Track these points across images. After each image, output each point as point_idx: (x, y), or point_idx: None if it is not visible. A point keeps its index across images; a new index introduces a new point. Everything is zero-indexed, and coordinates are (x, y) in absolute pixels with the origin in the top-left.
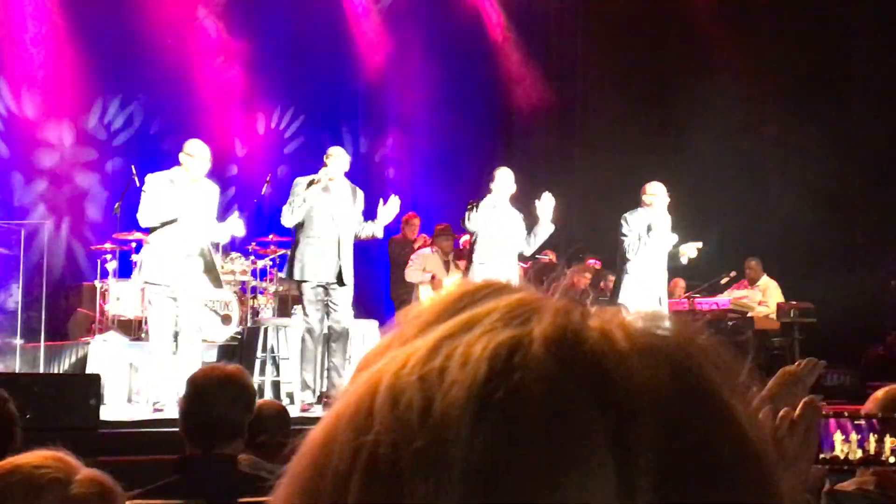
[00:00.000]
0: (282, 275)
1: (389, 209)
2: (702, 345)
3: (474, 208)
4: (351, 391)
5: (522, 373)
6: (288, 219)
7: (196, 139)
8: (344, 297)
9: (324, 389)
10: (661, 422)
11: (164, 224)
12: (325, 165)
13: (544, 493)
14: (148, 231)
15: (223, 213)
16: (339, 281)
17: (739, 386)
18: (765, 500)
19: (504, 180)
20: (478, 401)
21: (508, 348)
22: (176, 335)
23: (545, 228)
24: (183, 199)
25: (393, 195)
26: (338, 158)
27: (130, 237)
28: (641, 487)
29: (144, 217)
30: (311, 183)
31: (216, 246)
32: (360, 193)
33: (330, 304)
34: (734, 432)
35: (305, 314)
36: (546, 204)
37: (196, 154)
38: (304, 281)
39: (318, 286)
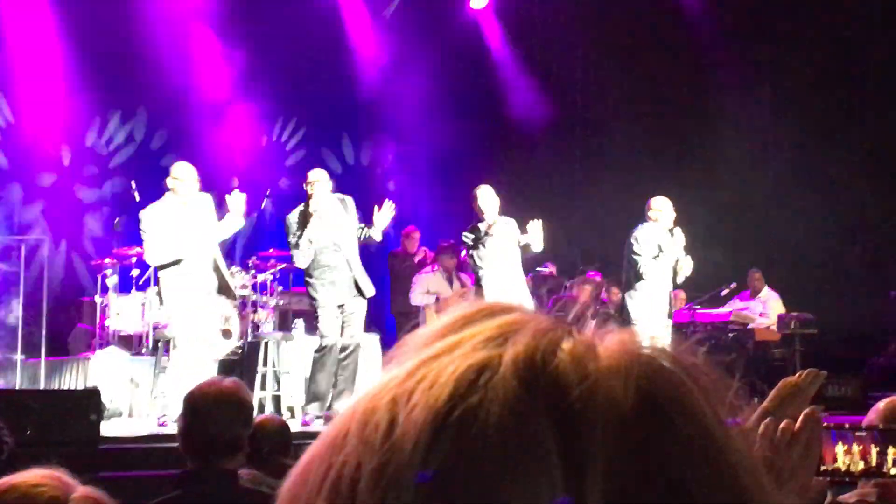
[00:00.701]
0: (281, 289)
1: (384, 214)
2: (684, 366)
3: (479, 245)
4: (339, 414)
5: (483, 393)
6: (301, 261)
7: (182, 162)
8: (359, 309)
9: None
10: (616, 441)
11: (172, 263)
12: (309, 194)
13: None
14: (156, 269)
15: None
16: (359, 293)
17: (726, 407)
18: None
19: (488, 199)
20: (435, 421)
21: (477, 370)
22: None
23: (534, 249)
24: (182, 224)
25: (387, 200)
26: (319, 182)
27: (130, 252)
28: None
29: (152, 257)
30: (302, 217)
31: (227, 250)
32: (350, 200)
33: (345, 319)
34: (706, 456)
35: (322, 331)
36: (535, 231)
37: (183, 177)
38: (322, 306)
39: (335, 308)
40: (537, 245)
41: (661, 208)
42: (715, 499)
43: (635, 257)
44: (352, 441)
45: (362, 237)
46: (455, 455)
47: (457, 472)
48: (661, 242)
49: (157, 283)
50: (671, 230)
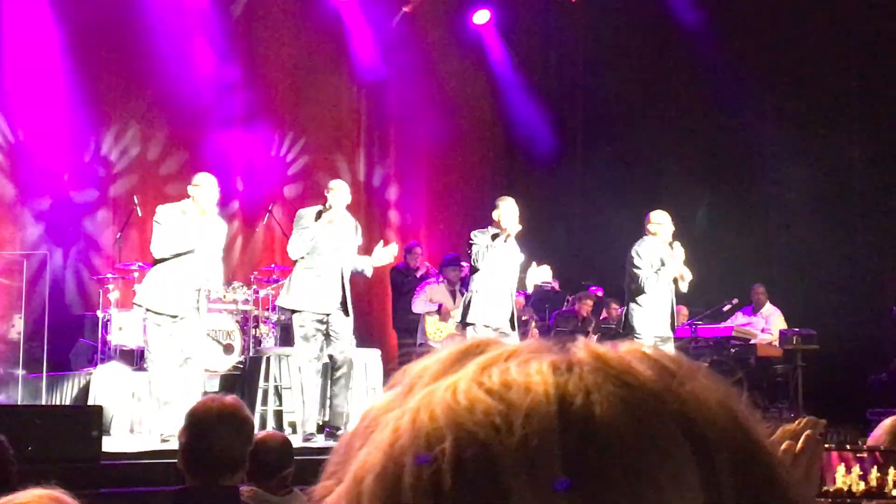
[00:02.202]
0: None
1: (386, 253)
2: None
3: (486, 249)
4: (398, 416)
5: (586, 388)
6: (297, 250)
7: (204, 172)
8: (345, 326)
9: (326, 419)
10: (730, 447)
11: (178, 255)
12: (327, 200)
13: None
14: (156, 262)
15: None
16: (344, 311)
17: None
18: None
19: (509, 211)
20: (559, 407)
21: (558, 365)
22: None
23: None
24: (195, 231)
25: (393, 242)
26: (339, 191)
27: (133, 267)
28: None
29: (159, 248)
30: (318, 215)
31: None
32: (359, 228)
33: (331, 333)
34: (768, 479)
35: (303, 342)
36: (545, 273)
37: (204, 185)
38: (300, 311)
39: (317, 317)
40: (544, 277)
41: (661, 222)
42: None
43: (636, 271)
44: (461, 425)
45: (356, 266)
46: (585, 441)
47: (594, 460)
48: (661, 256)
49: (137, 298)
50: (671, 244)
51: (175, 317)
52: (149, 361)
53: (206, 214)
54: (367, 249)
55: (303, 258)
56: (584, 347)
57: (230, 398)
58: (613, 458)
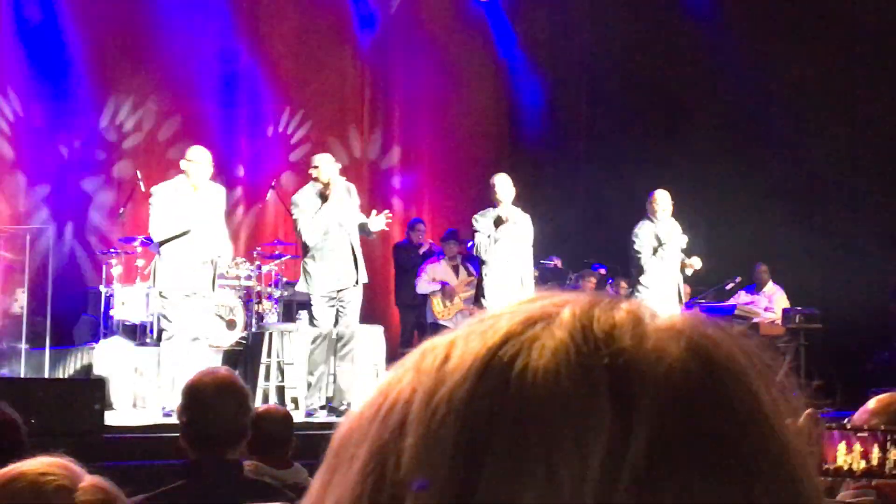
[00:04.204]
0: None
1: (380, 221)
2: (743, 345)
3: (492, 233)
4: (400, 361)
5: (538, 332)
6: (313, 237)
7: (197, 145)
8: (355, 298)
9: (329, 395)
10: (666, 392)
11: (176, 237)
12: (317, 178)
13: (535, 452)
14: (159, 245)
15: (227, 210)
16: (356, 280)
17: (778, 384)
18: None
19: (505, 187)
20: (487, 354)
21: (534, 319)
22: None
23: None
24: (190, 207)
25: (386, 211)
26: (328, 165)
27: (135, 242)
28: (630, 461)
29: (156, 231)
30: (321, 196)
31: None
32: (353, 188)
33: (339, 307)
34: (754, 422)
35: (315, 320)
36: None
37: (197, 159)
38: (320, 293)
39: (332, 294)
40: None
41: (659, 201)
42: (760, 465)
43: (636, 254)
44: (409, 371)
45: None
46: (503, 387)
47: (507, 398)
48: (660, 235)
49: (153, 274)
50: (668, 222)
51: (189, 295)
52: (164, 337)
53: (199, 190)
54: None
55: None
56: (584, 300)
57: (224, 370)
58: (528, 387)
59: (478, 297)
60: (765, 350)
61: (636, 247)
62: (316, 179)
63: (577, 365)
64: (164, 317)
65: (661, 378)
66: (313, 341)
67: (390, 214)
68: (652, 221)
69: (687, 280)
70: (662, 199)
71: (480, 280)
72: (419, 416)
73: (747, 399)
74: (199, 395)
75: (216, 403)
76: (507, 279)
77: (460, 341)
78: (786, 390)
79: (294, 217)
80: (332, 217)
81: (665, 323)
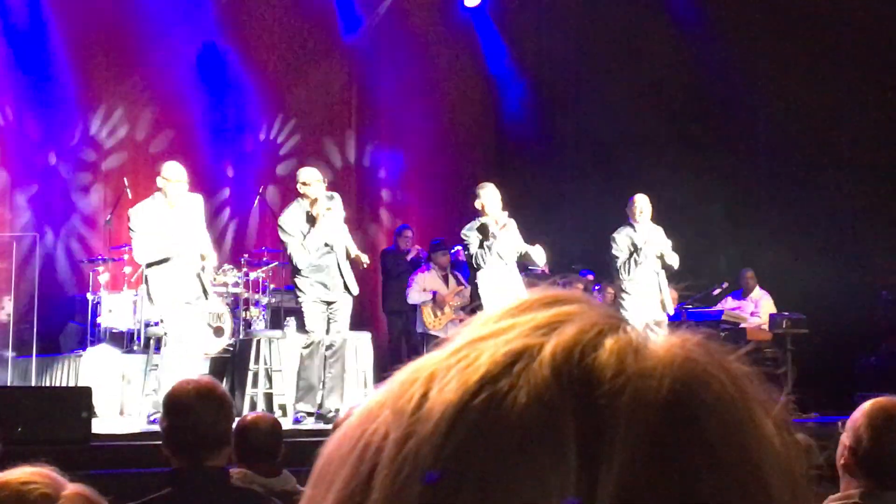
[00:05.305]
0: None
1: (358, 256)
2: (733, 375)
3: (485, 245)
4: (381, 386)
5: (514, 380)
6: (304, 260)
7: (172, 162)
8: (345, 306)
9: (318, 401)
10: (638, 441)
11: (161, 261)
12: (305, 195)
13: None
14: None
15: (214, 217)
16: (347, 291)
17: (770, 418)
18: None
19: (491, 197)
20: (461, 402)
21: (514, 356)
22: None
23: (538, 264)
24: (170, 225)
25: (366, 258)
26: (318, 184)
27: (122, 249)
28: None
29: (140, 255)
30: (308, 217)
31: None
32: (338, 198)
33: (330, 315)
34: (735, 468)
35: (307, 327)
36: (539, 252)
37: (172, 177)
38: (313, 303)
39: (324, 305)
40: (541, 261)
41: (638, 205)
42: None
43: (613, 258)
44: (385, 410)
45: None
46: (473, 438)
47: (473, 455)
48: (635, 241)
49: (145, 281)
50: (648, 226)
51: (190, 302)
52: (166, 347)
53: (176, 207)
54: (357, 225)
55: None
56: (569, 333)
57: (205, 377)
58: (497, 438)
59: (473, 300)
60: (760, 384)
61: (613, 251)
62: (303, 196)
63: (547, 426)
64: (163, 324)
65: (634, 435)
66: (306, 347)
67: (368, 262)
68: (632, 226)
69: (674, 285)
70: (641, 203)
71: (475, 288)
72: (386, 471)
73: (734, 447)
74: (180, 402)
75: (196, 409)
76: (498, 283)
77: (439, 376)
78: (783, 425)
79: (283, 241)
80: (321, 239)
81: (651, 360)
